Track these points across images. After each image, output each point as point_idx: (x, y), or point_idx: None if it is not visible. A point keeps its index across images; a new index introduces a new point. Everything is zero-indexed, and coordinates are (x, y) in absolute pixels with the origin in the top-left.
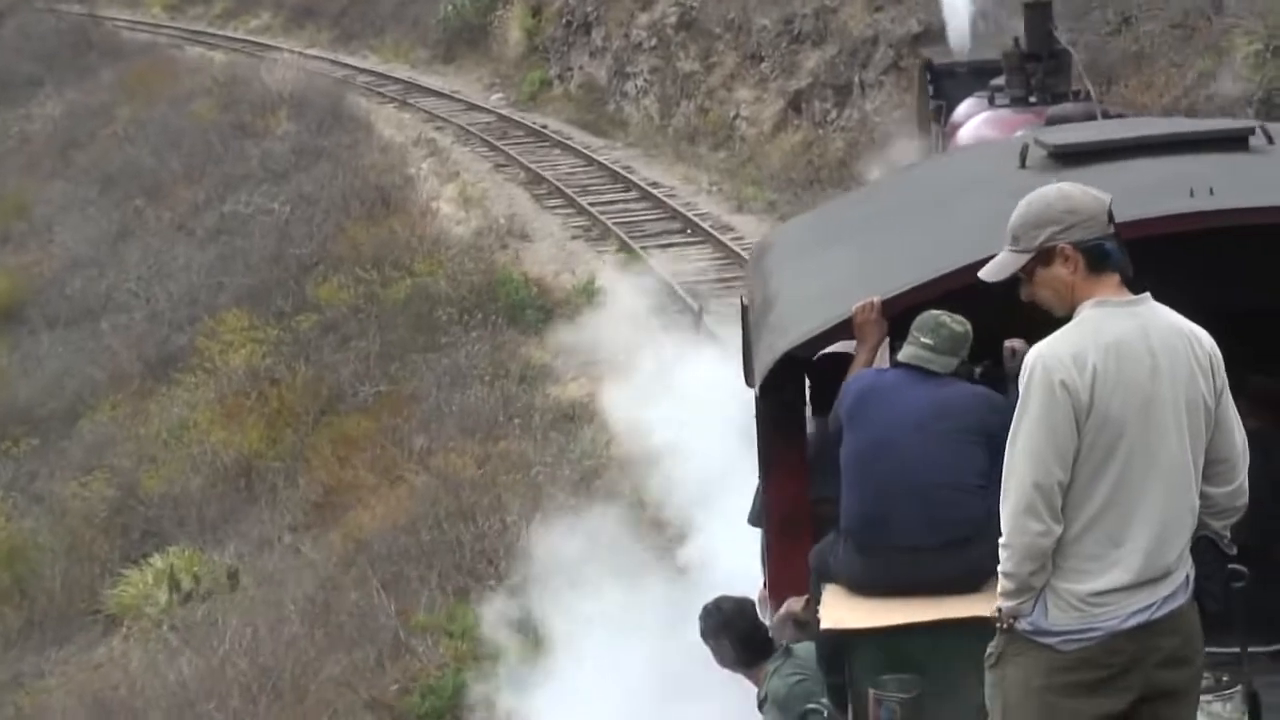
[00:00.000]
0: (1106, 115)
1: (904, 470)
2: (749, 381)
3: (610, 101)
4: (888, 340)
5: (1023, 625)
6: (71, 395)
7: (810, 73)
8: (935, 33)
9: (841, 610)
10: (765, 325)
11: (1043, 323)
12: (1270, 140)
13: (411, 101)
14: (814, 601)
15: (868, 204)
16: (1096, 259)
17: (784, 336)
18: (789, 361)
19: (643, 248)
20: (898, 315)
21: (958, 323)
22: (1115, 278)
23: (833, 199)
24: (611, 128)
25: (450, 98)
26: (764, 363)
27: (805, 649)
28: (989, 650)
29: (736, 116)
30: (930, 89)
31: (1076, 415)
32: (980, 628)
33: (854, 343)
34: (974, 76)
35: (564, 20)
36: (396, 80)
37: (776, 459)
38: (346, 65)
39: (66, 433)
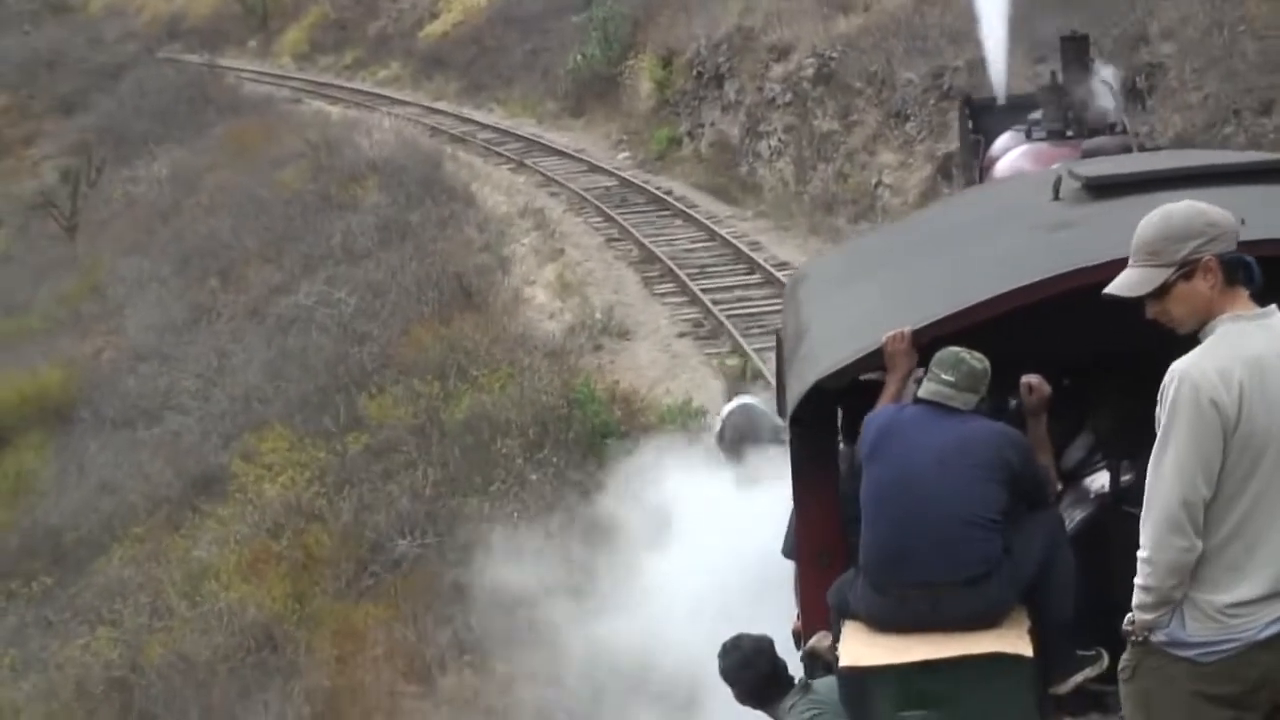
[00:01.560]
0: (1143, 148)
1: (924, 506)
2: (781, 413)
3: (742, 163)
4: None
5: (1159, 637)
6: (103, 519)
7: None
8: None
9: (860, 647)
10: (797, 356)
11: (1064, 359)
12: None
13: (530, 162)
14: (833, 639)
15: (901, 236)
16: (1234, 272)
17: (815, 367)
18: (820, 392)
19: (759, 349)
20: (928, 345)
21: (977, 360)
22: (1246, 292)
23: (866, 232)
24: (742, 193)
25: (573, 157)
26: (794, 393)
27: (824, 684)
28: (1123, 663)
29: (879, 184)
30: (969, 124)
31: (1224, 432)
32: (999, 663)
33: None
34: (1012, 111)
35: (695, 72)
36: (518, 138)
37: (807, 490)
38: (469, 120)
39: (85, 569)
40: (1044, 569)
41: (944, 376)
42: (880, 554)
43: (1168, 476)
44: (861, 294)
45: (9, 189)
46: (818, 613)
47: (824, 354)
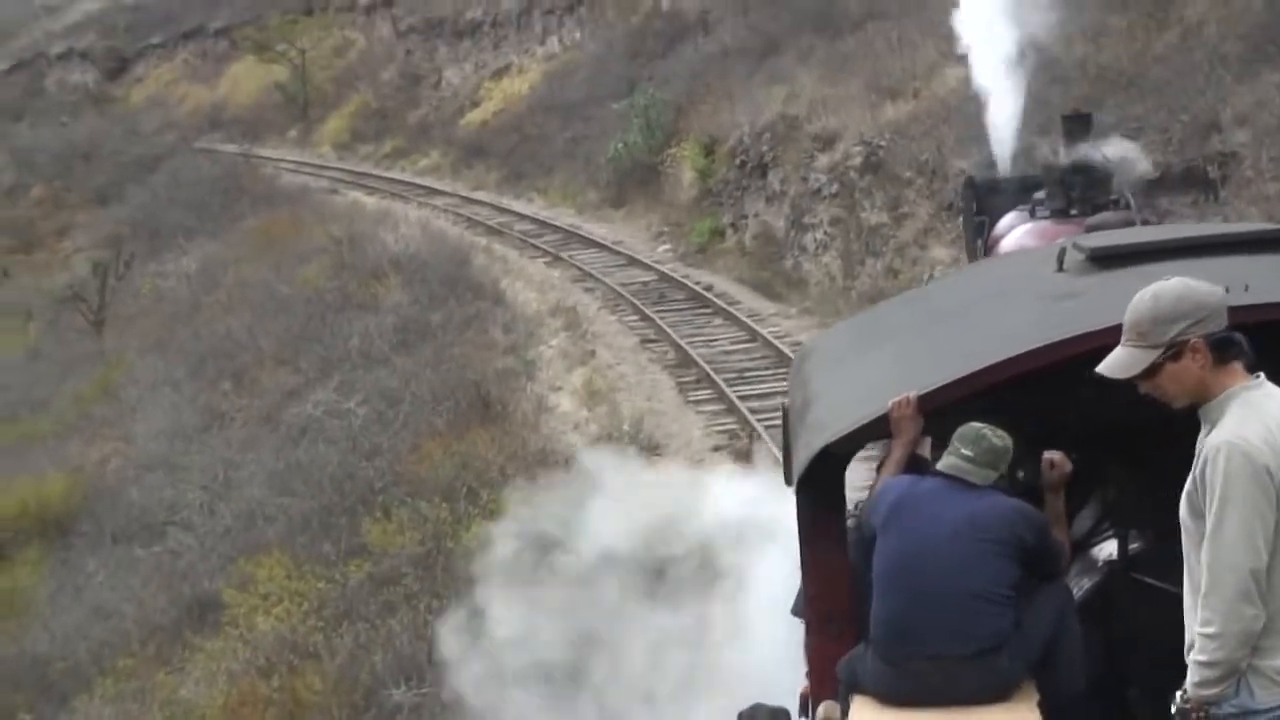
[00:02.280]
0: (1146, 223)
1: (937, 579)
2: (787, 480)
3: (787, 256)
4: (930, 440)
5: (1227, 709)
6: (93, 648)
7: None
8: (1171, 179)
9: None
10: (804, 424)
11: (1073, 430)
12: None
13: (566, 255)
14: (842, 714)
15: (907, 309)
16: (1224, 349)
17: (822, 433)
18: (827, 459)
19: None
20: (934, 412)
21: (999, 437)
22: (1240, 364)
23: (873, 307)
24: (786, 289)
25: (611, 250)
26: (801, 460)
27: None
28: None
29: (931, 279)
30: (974, 205)
31: (1276, 496)
32: None
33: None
34: (1016, 191)
35: (738, 160)
36: (556, 230)
37: (815, 557)
38: (507, 211)
39: (68, 704)
40: (1053, 642)
41: (964, 451)
42: (890, 627)
43: (1232, 547)
44: (868, 364)
45: (41, 282)
46: (826, 680)
47: (832, 420)
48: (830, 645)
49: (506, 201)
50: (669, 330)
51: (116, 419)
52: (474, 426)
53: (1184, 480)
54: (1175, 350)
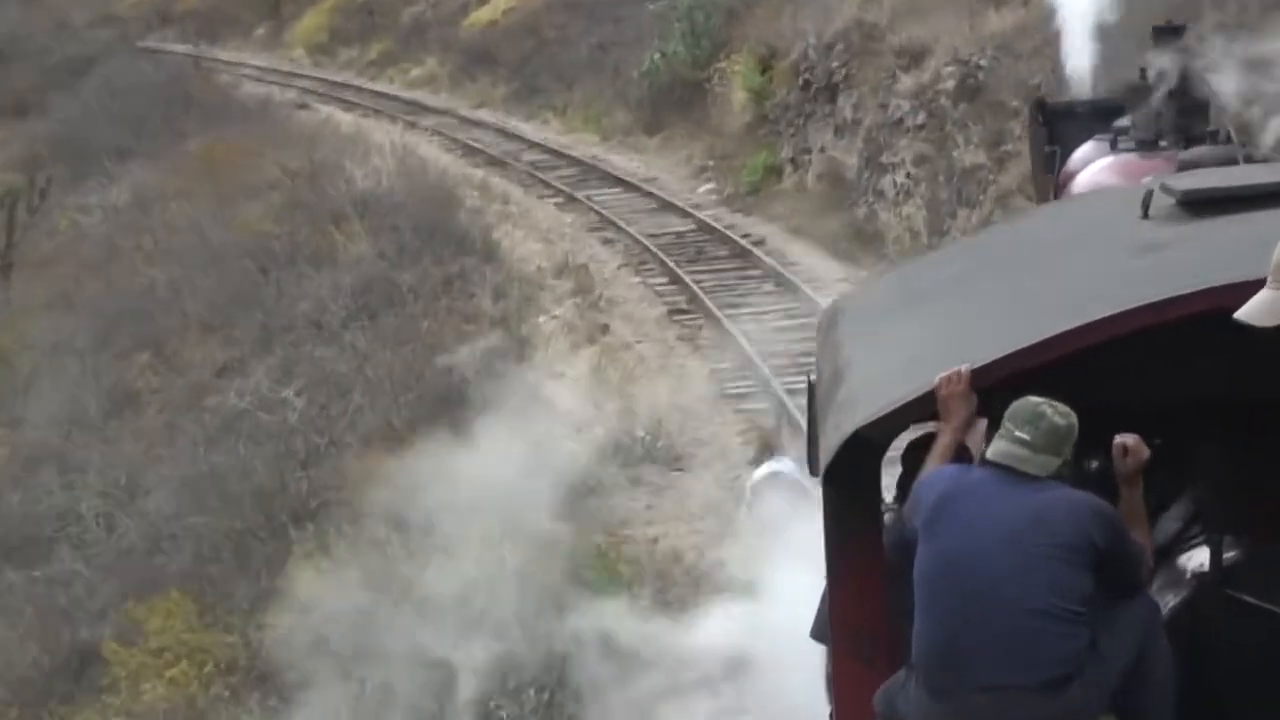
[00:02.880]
0: (1250, 160)
1: (990, 593)
2: (813, 469)
3: (859, 203)
4: (984, 424)
5: None
6: None
7: None
8: None
9: None
10: (833, 403)
11: (1158, 410)
12: None
13: (583, 196)
14: None
15: (958, 261)
16: None
17: (853, 414)
18: (860, 444)
19: None
20: (990, 389)
21: (1061, 415)
22: None
23: (915, 258)
24: (857, 246)
25: (640, 189)
26: (830, 445)
27: None
28: None
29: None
30: (1044, 133)
31: None
32: None
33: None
34: (1095, 117)
35: (801, 79)
36: (573, 162)
37: (845, 562)
38: (515, 136)
39: None
40: (1137, 670)
41: (1018, 434)
42: (937, 650)
43: None
44: (910, 329)
45: None
46: (853, 713)
47: (865, 399)
48: (861, 672)
49: (515, 124)
50: (705, 299)
51: (6, 398)
52: (442, 427)
53: None
54: None
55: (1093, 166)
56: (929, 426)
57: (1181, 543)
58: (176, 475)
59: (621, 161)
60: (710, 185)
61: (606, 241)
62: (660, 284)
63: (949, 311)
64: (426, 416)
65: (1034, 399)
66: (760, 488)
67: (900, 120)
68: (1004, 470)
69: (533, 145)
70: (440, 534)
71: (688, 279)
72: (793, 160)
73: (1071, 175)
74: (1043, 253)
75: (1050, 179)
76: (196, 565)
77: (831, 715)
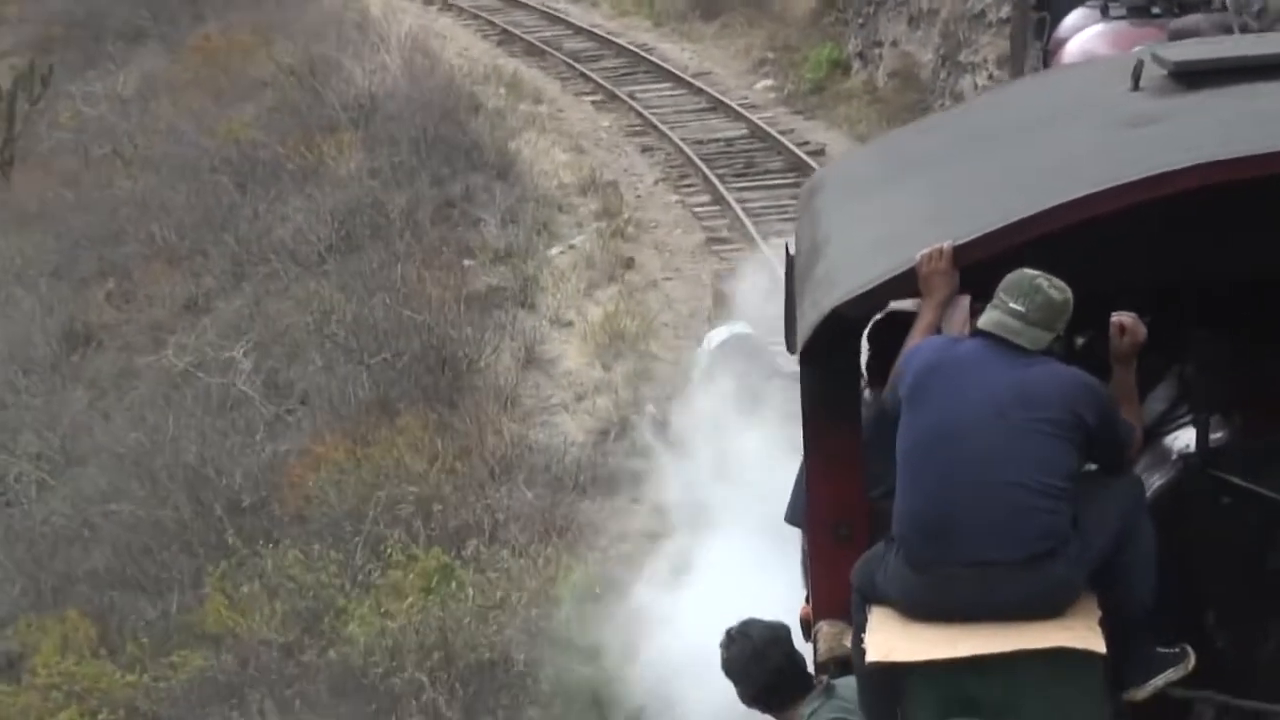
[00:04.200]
0: (1246, 29)
1: (976, 466)
2: (790, 347)
3: (935, 107)
4: (967, 302)
5: None
6: None
7: None
8: None
9: (893, 639)
10: (811, 278)
11: (1146, 288)
12: None
13: (625, 93)
14: (856, 628)
15: (943, 132)
16: None
17: (832, 291)
18: (838, 322)
19: None
20: (973, 267)
21: (1057, 289)
22: None
23: (900, 129)
24: None
25: (690, 85)
26: (807, 323)
27: (851, 686)
28: None
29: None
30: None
31: None
32: (1064, 661)
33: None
34: None
35: None
36: (620, 51)
37: (823, 443)
38: (559, 19)
39: None
40: (1120, 547)
41: (1012, 305)
42: (920, 524)
43: None
44: (892, 203)
45: None
46: (831, 597)
47: (844, 275)
48: (837, 553)
49: (562, 5)
50: (750, 225)
51: None
52: (413, 406)
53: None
54: None
55: (1083, 34)
56: (907, 304)
57: (1168, 423)
58: (109, 445)
59: (673, 51)
60: (769, 82)
61: (645, 150)
62: (701, 205)
63: (932, 185)
64: (397, 390)
65: (1030, 271)
66: (719, 354)
67: (982, 13)
68: (993, 341)
69: (577, 31)
70: (380, 556)
71: (732, 200)
72: (861, 55)
73: (1061, 43)
74: (1030, 126)
75: (1038, 46)
76: (116, 562)
77: (808, 597)
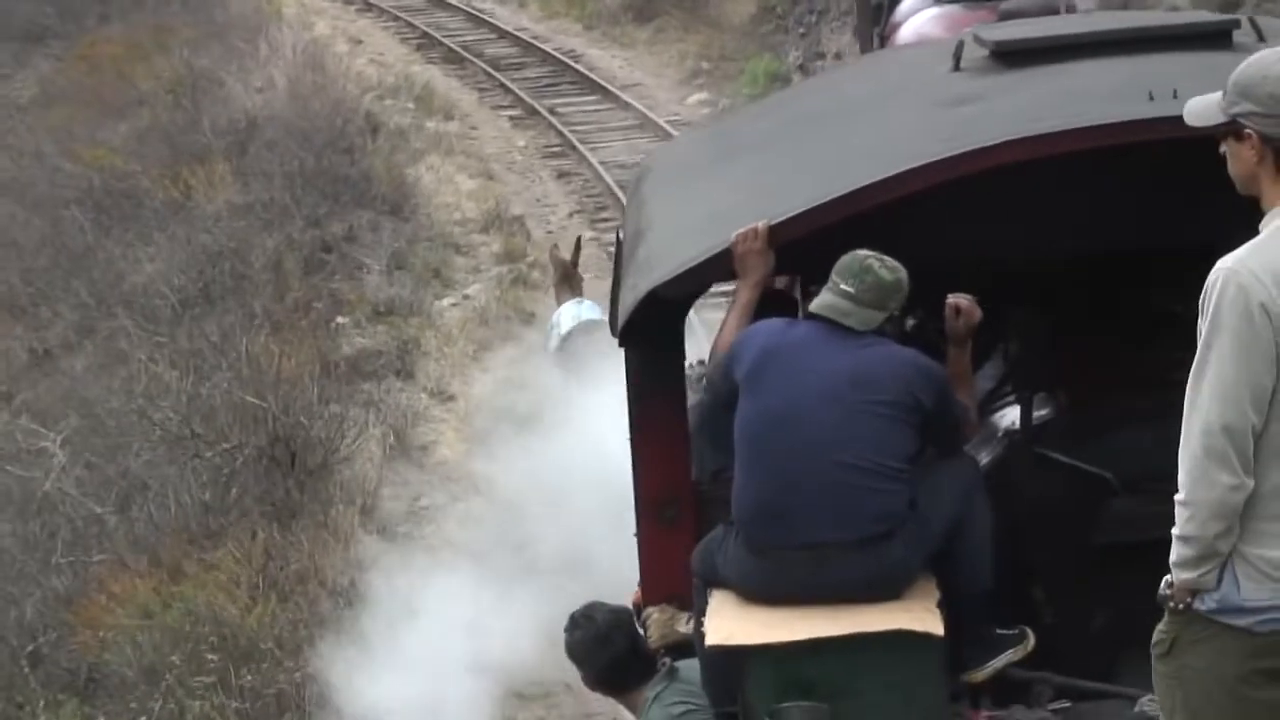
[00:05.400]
0: (1071, 9)
1: (811, 450)
2: (613, 329)
3: None
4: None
5: (1206, 604)
6: None
7: None
8: None
9: (731, 623)
10: (633, 262)
11: (986, 265)
12: (1261, 37)
13: (547, 108)
14: (697, 612)
15: (769, 115)
16: None
17: (651, 274)
18: (658, 304)
19: None
20: (793, 246)
21: (889, 269)
22: None
23: (727, 113)
24: None
25: (617, 98)
26: (625, 305)
27: (694, 669)
28: (1157, 636)
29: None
30: None
31: (1277, 346)
32: (902, 643)
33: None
34: None
35: None
36: (546, 59)
37: (646, 424)
38: (484, 22)
39: None
40: (957, 528)
41: (843, 286)
42: (756, 508)
43: (1207, 398)
44: (714, 186)
45: None
46: (659, 581)
47: (663, 257)
48: (664, 537)
49: (489, 5)
50: None
51: None
52: (244, 519)
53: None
54: (1236, 130)
55: (916, 18)
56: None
57: (993, 401)
58: None
59: (602, 59)
60: (702, 95)
61: (561, 175)
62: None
63: (754, 167)
64: (237, 488)
65: (863, 252)
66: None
67: None
68: (827, 324)
69: (502, 35)
70: None
71: None
72: (801, 68)
73: (896, 27)
74: (854, 107)
75: (876, 32)
76: None
77: (639, 581)
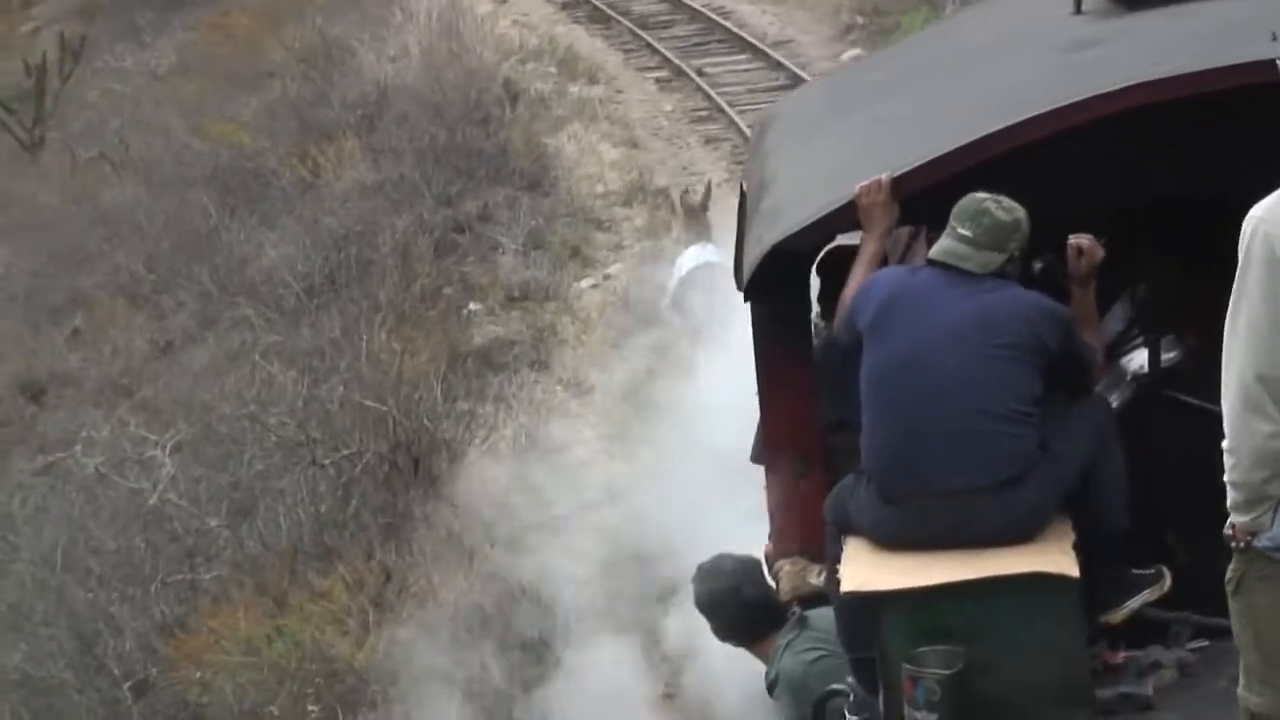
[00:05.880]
0: None
1: (938, 396)
2: (739, 284)
3: None
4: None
5: (1263, 542)
6: None
7: None
8: None
9: (867, 569)
10: (757, 215)
11: (1094, 210)
12: None
13: (694, 69)
14: (831, 559)
15: (891, 65)
16: None
17: (775, 227)
18: (783, 257)
19: None
20: (917, 197)
21: (1005, 210)
22: None
23: (852, 63)
24: None
25: (767, 58)
26: (751, 259)
27: (824, 617)
28: (1229, 575)
29: None
30: None
31: None
32: (1038, 586)
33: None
34: None
35: None
36: (694, 15)
37: (774, 378)
38: None
39: None
40: (1090, 469)
41: (960, 230)
42: (888, 455)
43: (1240, 347)
44: (838, 137)
45: None
46: (790, 533)
47: (788, 210)
48: (793, 489)
49: None
50: None
51: None
52: (360, 535)
53: (1230, 273)
54: None
55: None
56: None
57: (1122, 344)
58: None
59: (753, 15)
60: (856, 51)
61: (710, 141)
62: None
63: (875, 118)
64: (343, 512)
65: (980, 195)
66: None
67: None
68: (947, 269)
69: None
70: None
71: None
72: None
73: None
74: (975, 54)
75: None
76: None
77: (770, 534)
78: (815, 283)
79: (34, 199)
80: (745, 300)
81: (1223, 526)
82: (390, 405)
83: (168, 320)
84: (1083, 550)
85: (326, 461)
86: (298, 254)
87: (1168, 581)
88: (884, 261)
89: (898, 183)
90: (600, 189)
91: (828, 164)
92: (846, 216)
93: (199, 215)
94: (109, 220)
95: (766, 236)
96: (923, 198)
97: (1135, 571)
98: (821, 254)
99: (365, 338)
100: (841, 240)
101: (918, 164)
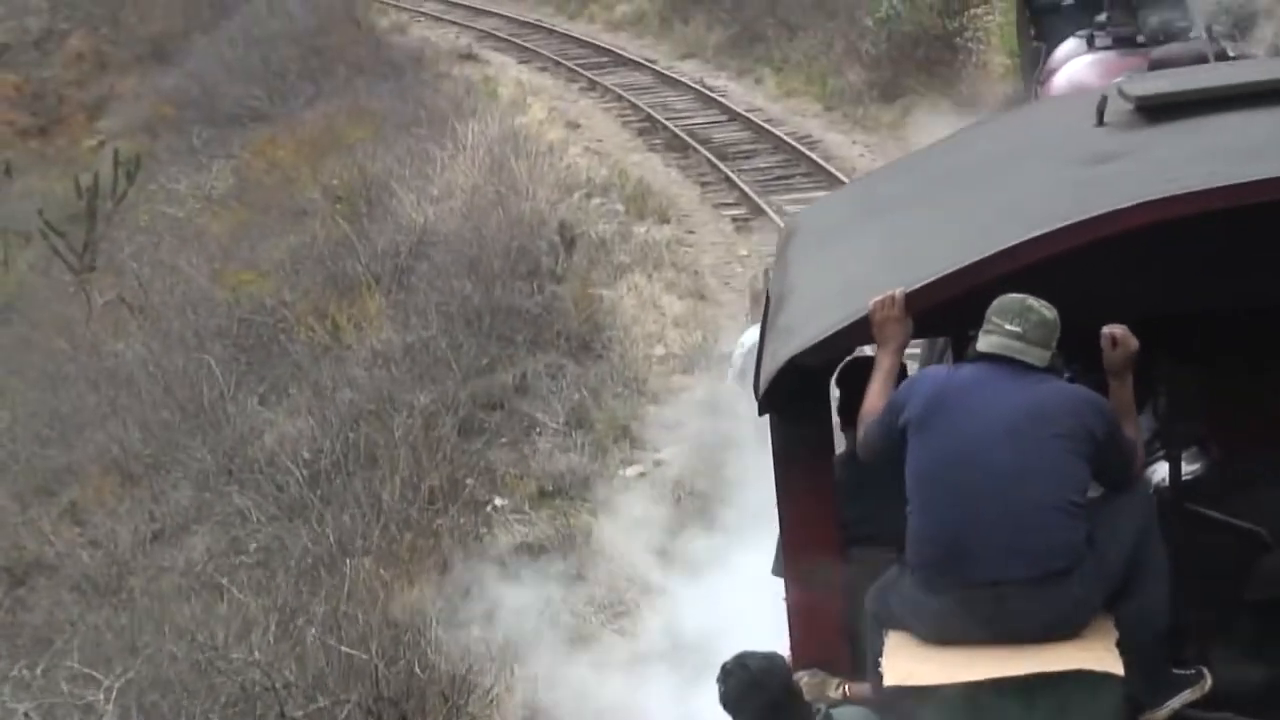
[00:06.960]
0: (1222, 57)
1: (991, 486)
2: (756, 396)
3: None
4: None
5: None
6: None
7: None
8: None
9: (910, 662)
10: (775, 328)
11: (1131, 319)
12: None
13: (775, 204)
14: (873, 652)
15: (909, 175)
16: None
17: (790, 341)
18: (799, 372)
19: None
20: (926, 312)
21: (1046, 308)
22: None
23: (875, 171)
24: None
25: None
26: (766, 373)
27: (849, 714)
28: None
29: None
30: (1030, 29)
31: None
32: (1083, 683)
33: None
34: (1081, 11)
35: None
36: (778, 145)
37: (794, 493)
38: (714, 102)
39: None
40: (1133, 565)
41: (1008, 326)
42: (935, 546)
43: None
44: (853, 249)
45: (55, 185)
46: (809, 645)
47: (803, 325)
48: (812, 602)
49: (721, 83)
50: None
51: None
52: None
53: (1252, 385)
54: None
55: (1070, 65)
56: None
57: (1147, 454)
58: None
59: (841, 146)
60: None
61: None
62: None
63: (893, 229)
64: None
65: (1018, 295)
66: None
67: None
68: (997, 362)
69: (733, 117)
70: None
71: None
72: None
73: (1051, 73)
74: (995, 164)
75: (1035, 75)
76: None
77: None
78: (835, 393)
79: (50, 344)
80: (760, 414)
81: (1244, 639)
82: (372, 651)
83: (161, 502)
84: (1123, 648)
85: (298, 715)
86: (305, 432)
87: (1208, 682)
88: (903, 373)
89: (911, 298)
90: (660, 350)
91: (843, 277)
92: (860, 332)
93: (206, 379)
94: (115, 378)
95: (781, 351)
96: (937, 312)
97: (1176, 671)
98: (841, 365)
99: (349, 565)
100: (862, 351)
101: (930, 279)
